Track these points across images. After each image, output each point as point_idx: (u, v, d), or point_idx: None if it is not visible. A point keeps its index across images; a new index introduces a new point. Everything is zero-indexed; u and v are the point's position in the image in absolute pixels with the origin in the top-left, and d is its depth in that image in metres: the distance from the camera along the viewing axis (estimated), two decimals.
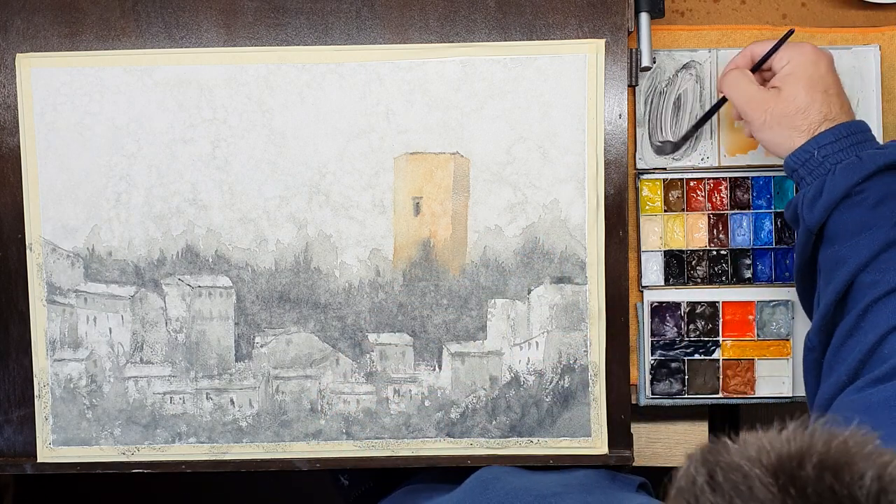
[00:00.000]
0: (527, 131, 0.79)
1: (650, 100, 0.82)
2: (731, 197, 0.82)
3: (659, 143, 0.82)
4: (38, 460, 0.81)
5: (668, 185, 0.82)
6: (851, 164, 0.66)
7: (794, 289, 0.81)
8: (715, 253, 0.82)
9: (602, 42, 0.78)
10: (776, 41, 0.72)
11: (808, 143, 0.68)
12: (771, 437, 0.38)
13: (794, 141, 0.69)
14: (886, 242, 0.65)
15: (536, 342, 0.80)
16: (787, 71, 0.70)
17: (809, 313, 0.74)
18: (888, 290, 0.63)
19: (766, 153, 0.81)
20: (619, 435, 0.80)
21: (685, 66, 0.82)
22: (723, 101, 0.77)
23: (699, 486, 0.38)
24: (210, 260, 0.80)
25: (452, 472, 0.84)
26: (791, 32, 0.72)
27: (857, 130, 0.68)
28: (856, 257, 0.65)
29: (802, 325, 0.82)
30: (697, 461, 0.39)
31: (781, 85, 0.70)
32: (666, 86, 0.82)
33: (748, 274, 0.82)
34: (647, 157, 0.82)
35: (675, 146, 0.82)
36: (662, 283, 0.82)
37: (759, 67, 0.74)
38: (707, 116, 0.80)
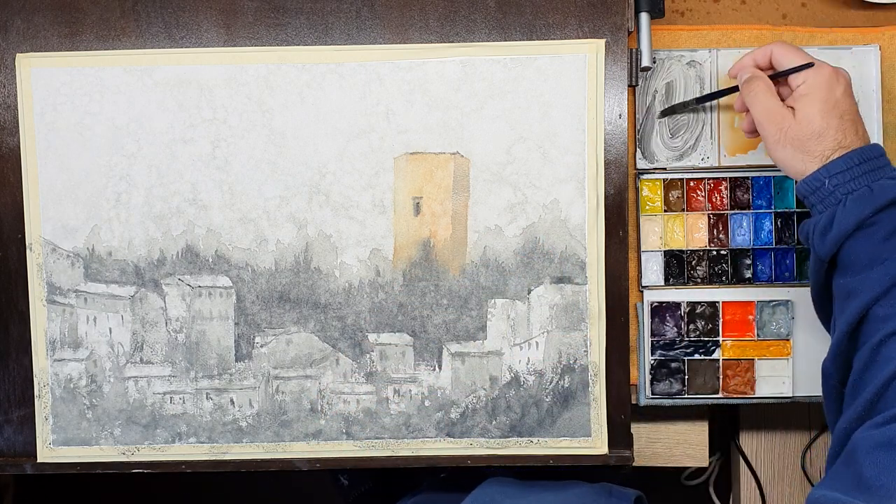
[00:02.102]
0: (527, 131, 0.79)
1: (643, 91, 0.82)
2: (731, 197, 0.82)
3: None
4: (38, 460, 0.81)
5: (669, 185, 0.82)
6: (863, 196, 0.65)
7: (794, 289, 0.82)
8: (715, 253, 0.82)
9: (602, 42, 0.78)
10: (798, 59, 0.71)
11: (819, 171, 0.67)
12: None
13: (806, 166, 0.68)
14: None
15: (536, 342, 0.80)
16: (803, 91, 0.69)
17: (830, 332, 0.73)
18: None
19: (766, 153, 0.82)
20: (619, 435, 0.80)
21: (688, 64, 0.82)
22: (735, 89, 0.76)
23: None
24: (210, 260, 0.80)
25: (454, 481, 0.84)
26: (812, 64, 0.70)
27: (870, 157, 0.67)
28: (868, 291, 0.64)
29: (802, 325, 0.82)
30: None
31: (796, 106, 0.69)
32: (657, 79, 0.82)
33: (748, 274, 0.82)
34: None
35: (671, 111, 0.81)
36: (662, 283, 0.83)
37: (775, 78, 0.73)
38: (714, 96, 0.80)
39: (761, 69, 0.74)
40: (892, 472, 0.54)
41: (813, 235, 0.68)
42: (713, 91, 0.81)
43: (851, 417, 0.62)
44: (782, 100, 0.71)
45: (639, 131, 0.82)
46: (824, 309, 0.72)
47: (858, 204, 0.65)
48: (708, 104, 0.82)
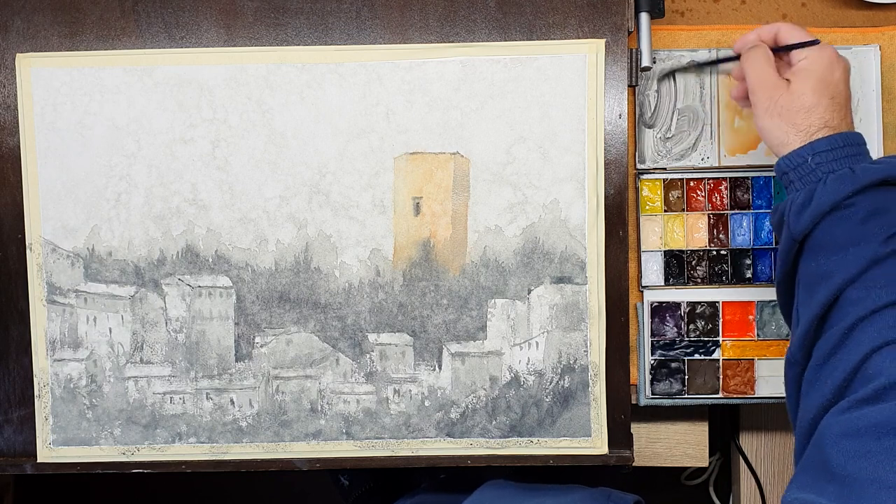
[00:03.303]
0: (527, 131, 0.79)
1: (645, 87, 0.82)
2: (731, 197, 0.82)
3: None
4: (38, 460, 0.81)
5: (668, 185, 0.82)
6: (844, 176, 0.65)
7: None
8: (715, 253, 0.82)
9: (602, 42, 0.78)
10: (803, 37, 0.72)
11: (803, 147, 0.67)
12: None
13: (790, 139, 0.68)
14: (874, 258, 0.63)
15: (536, 342, 0.80)
16: (802, 66, 0.69)
17: (789, 323, 0.72)
18: (875, 308, 0.61)
19: (766, 152, 0.81)
20: (619, 435, 0.80)
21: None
22: (735, 58, 0.76)
23: None
24: (210, 260, 0.80)
25: (452, 482, 0.84)
26: (817, 42, 0.71)
27: (854, 143, 0.67)
28: (843, 272, 0.63)
29: None
30: None
31: (792, 79, 0.69)
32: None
33: (748, 274, 0.82)
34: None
35: (670, 72, 0.82)
36: (662, 283, 0.83)
37: (777, 52, 0.73)
38: (716, 62, 0.80)
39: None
40: (859, 460, 0.53)
41: (789, 213, 0.68)
42: (715, 59, 0.81)
43: (817, 404, 0.60)
44: (780, 74, 0.72)
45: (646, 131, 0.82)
46: (788, 295, 0.70)
47: (839, 183, 0.65)
48: (708, 106, 0.82)
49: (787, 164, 0.68)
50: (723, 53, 0.81)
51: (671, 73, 0.82)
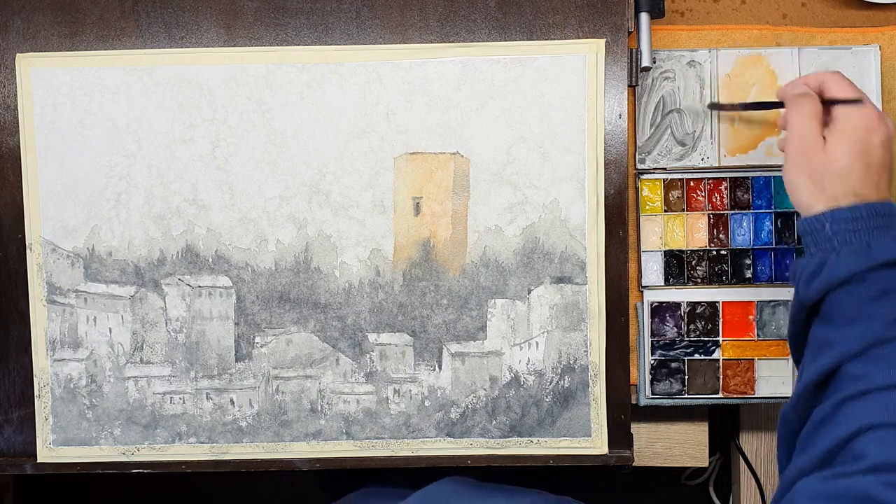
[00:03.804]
0: (527, 131, 0.79)
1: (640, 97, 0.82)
2: (731, 197, 0.82)
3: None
4: (38, 460, 0.81)
5: (668, 185, 0.82)
6: (860, 250, 0.62)
7: (793, 289, 0.81)
8: (715, 253, 0.82)
9: (602, 42, 0.78)
10: (848, 93, 0.68)
11: (824, 213, 0.64)
12: None
13: (814, 202, 0.65)
14: (879, 339, 0.61)
15: (536, 342, 0.80)
16: (841, 127, 0.66)
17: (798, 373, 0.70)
18: (869, 388, 0.59)
19: (766, 152, 0.81)
20: (619, 435, 0.80)
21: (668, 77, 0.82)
22: (780, 104, 0.73)
23: None
24: (210, 260, 0.80)
25: (412, 474, 0.83)
26: (860, 101, 0.67)
27: (880, 213, 0.64)
28: (846, 345, 0.62)
29: None
30: None
31: (829, 138, 0.66)
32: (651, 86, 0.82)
33: (748, 274, 0.82)
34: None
35: (717, 106, 0.81)
36: (662, 283, 0.83)
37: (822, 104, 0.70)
38: (761, 106, 0.79)
39: None
40: None
41: (800, 279, 0.65)
42: (761, 101, 0.79)
43: (799, 468, 0.59)
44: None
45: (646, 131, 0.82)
46: (798, 350, 0.69)
47: (853, 257, 0.62)
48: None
49: (805, 227, 0.66)
50: (722, 55, 0.81)
51: (719, 107, 0.81)
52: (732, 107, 0.80)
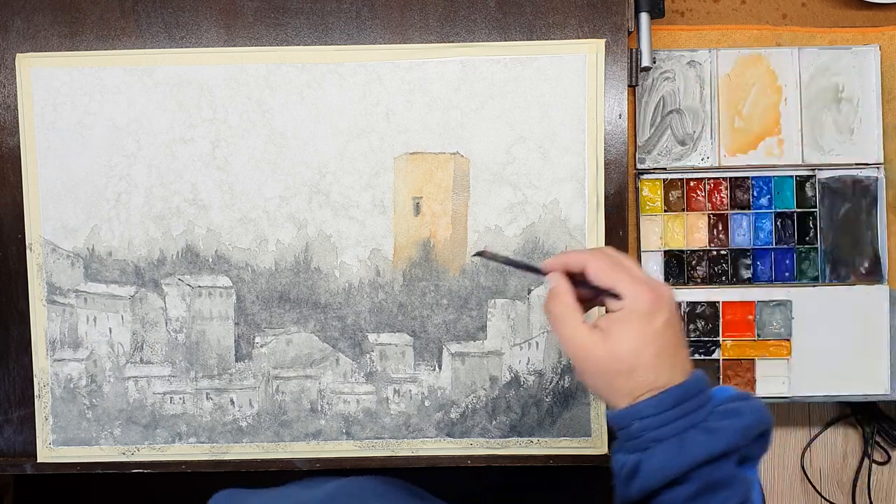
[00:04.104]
0: (527, 131, 0.79)
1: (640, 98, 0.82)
2: (731, 197, 0.82)
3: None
4: (38, 460, 0.81)
5: (668, 185, 0.82)
6: (671, 449, 0.56)
7: (793, 289, 0.82)
8: (715, 253, 0.82)
9: (602, 42, 0.78)
10: (609, 281, 0.58)
11: (627, 410, 0.57)
12: None
13: (614, 399, 0.58)
14: None
15: (536, 342, 0.80)
16: (616, 318, 0.58)
17: None
18: None
19: (766, 152, 0.82)
20: None
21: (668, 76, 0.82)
22: (544, 274, 0.62)
23: None
24: (210, 260, 0.80)
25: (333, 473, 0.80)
26: (619, 296, 0.58)
27: (685, 398, 0.56)
28: None
29: (802, 325, 0.82)
30: None
31: (606, 334, 0.57)
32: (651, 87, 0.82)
33: (748, 274, 0.82)
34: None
35: (483, 255, 0.68)
36: None
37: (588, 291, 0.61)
38: (526, 268, 0.64)
39: (573, 277, 0.61)
40: None
41: (619, 476, 0.59)
42: (526, 263, 0.65)
43: None
44: (602, 305, 0.60)
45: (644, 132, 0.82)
46: None
47: (667, 456, 0.56)
48: (708, 106, 0.81)
49: (614, 422, 0.59)
50: (722, 55, 0.81)
51: (481, 256, 0.68)
52: (495, 257, 0.68)
